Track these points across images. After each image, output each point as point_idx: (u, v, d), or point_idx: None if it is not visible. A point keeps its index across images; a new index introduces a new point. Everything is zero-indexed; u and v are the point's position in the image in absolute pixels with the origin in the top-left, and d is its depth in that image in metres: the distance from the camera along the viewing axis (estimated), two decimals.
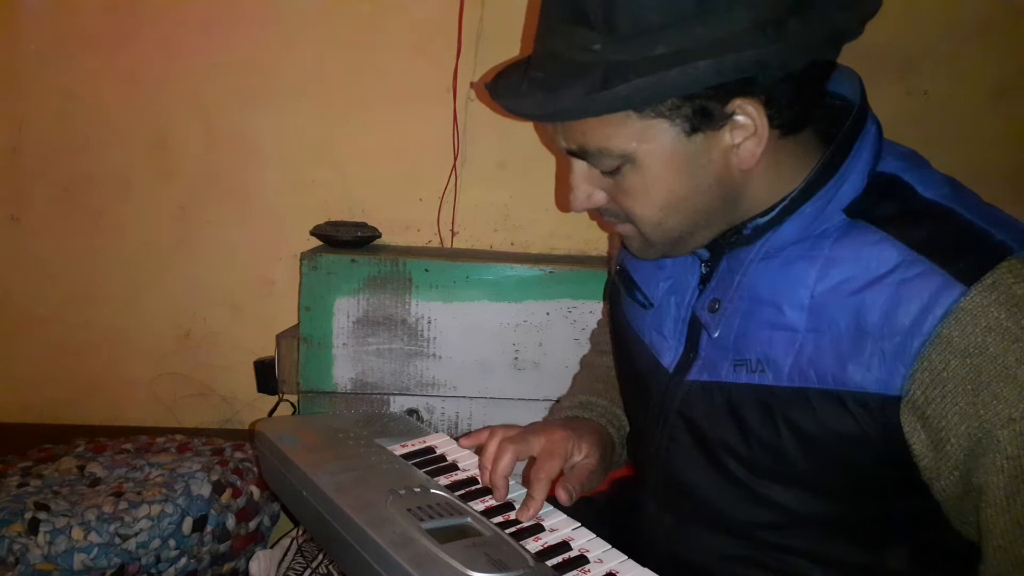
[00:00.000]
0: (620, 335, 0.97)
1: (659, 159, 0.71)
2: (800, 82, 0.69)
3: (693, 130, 0.69)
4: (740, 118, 0.69)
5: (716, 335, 0.79)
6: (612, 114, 0.69)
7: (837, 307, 0.71)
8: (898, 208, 0.72)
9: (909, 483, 0.71)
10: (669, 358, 0.85)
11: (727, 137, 0.70)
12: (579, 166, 0.77)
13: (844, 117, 0.75)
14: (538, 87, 0.71)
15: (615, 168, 0.73)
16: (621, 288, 0.96)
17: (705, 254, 0.82)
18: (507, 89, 0.76)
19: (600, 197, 0.78)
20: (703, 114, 0.68)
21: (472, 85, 1.56)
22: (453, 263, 1.48)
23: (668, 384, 0.84)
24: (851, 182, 0.73)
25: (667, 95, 0.67)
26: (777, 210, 0.74)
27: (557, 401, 1.11)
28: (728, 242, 0.78)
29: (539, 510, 0.80)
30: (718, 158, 0.71)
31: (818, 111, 0.74)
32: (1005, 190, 1.65)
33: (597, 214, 0.81)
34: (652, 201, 0.73)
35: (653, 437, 0.87)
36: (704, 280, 0.83)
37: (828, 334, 0.71)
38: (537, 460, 0.85)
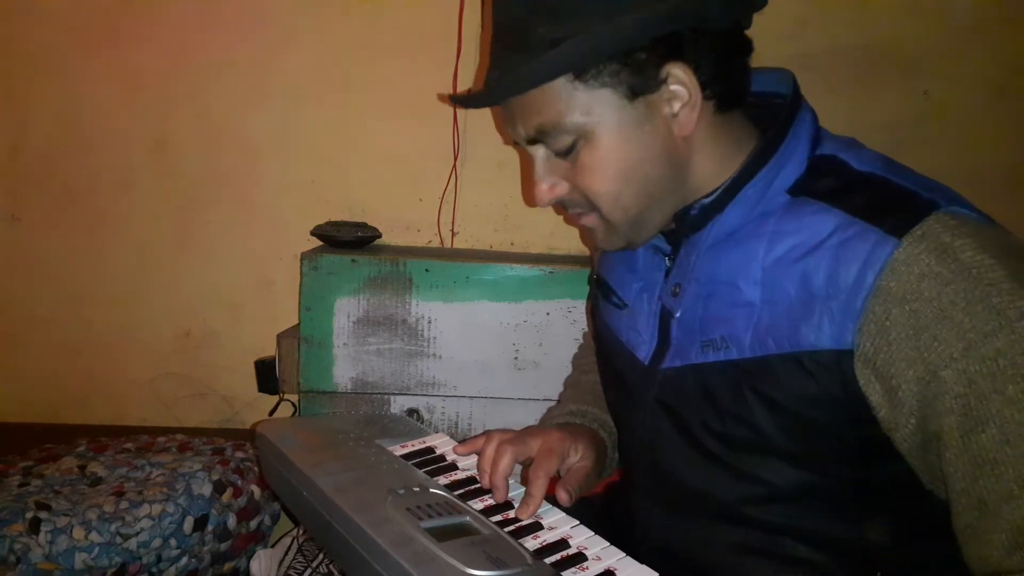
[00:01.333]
0: (601, 340, 1.01)
1: (609, 129, 0.77)
2: (722, 50, 0.77)
3: (633, 94, 0.75)
4: (675, 87, 0.75)
5: (679, 315, 0.84)
6: (560, 89, 0.76)
7: (786, 276, 0.75)
8: (836, 182, 0.76)
9: (880, 445, 0.73)
10: (644, 351, 0.88)
11: (666, 106, 0.77)
12: (539, 159, 0.82)
13: (780, 111, 0.81)
14: (493, 81, 0.80)
15: (570, 146, 0.79)
16: (599, 295, 1.00)
17: (667, 248, 0.87)
18: (472, 93, 0.84)
19: (562, 188, 0.83)
20: (640, 76, 0.75)
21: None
22: (453, 263, 1.48)
23: (645, 376, 0.88)
24: (792, 164, 0.78)
25: (601, 53, 0.74)
26: (719, 190, 0.79)
27: (547, 411, 1.13)
28: (682, 229, 0.83)
29: (539, 507, 0.81)
30: (661, 125, 0.77)
31: (747, 88, 0.81)
32: (1004, 189, 1.65)
33: (563, 208, 0.86)
34: (607, 174, 0.79)
35: (636, 432, 0.90)
36: (668, 272, 0.87)
37: (781, 302, 0.75)
38: (535, 459, 0.87)
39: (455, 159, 1.63)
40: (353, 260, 1.47)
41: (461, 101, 0.86)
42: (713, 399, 0.80)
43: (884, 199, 0.73)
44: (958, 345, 0.66)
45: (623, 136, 0.77)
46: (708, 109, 0.78)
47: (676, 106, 0.76)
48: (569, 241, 1.69)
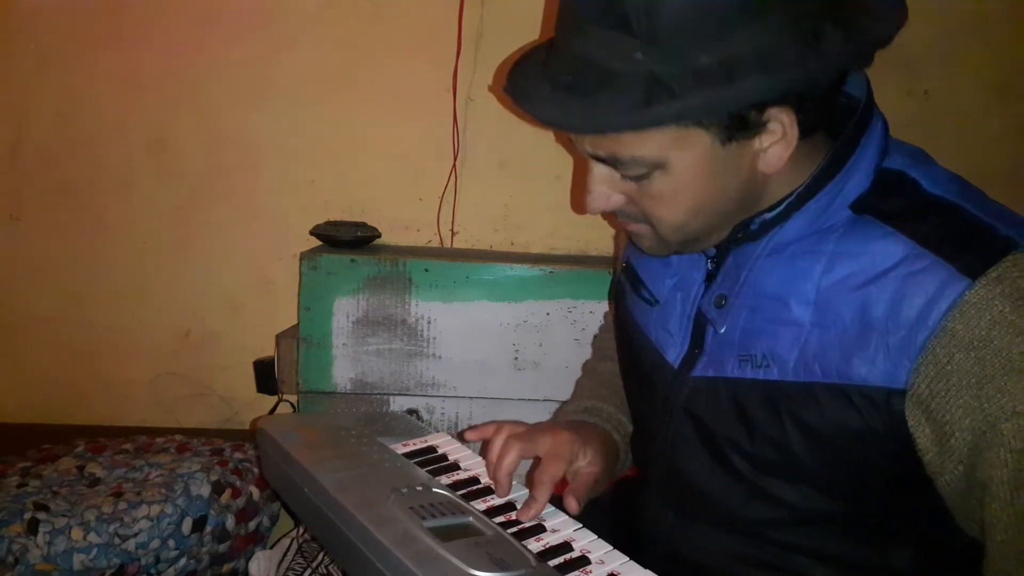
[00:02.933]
0: (625, 333, 0.97)
1: (691, 166, 0.70)
2: (830, 93, 0.71)
3: (729, 139, 0.69)
4: (773, 125, 0.69)
5: (723, 331, 0.79)
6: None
7: (842, 301, 0.71)
8: (904, 203, 0.72)
9: (914, 480, 0.71)
10: (674, 354, 0.85)
11: (756, 142, 0.70)
12: (599, 169, 0.75)
13: (851, 115, 0.75)
14: (570, 95, 0.69)
15: (644, 174, 0.72)
16: (627, 285, 0.96)
17: (711, 251, 0.82)
18: (530, 93, 0.73)
19: (618, 200, 0.77)
20: (741, 124, 0.68)
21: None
22: (453, 263, 1.48)
23: (673, 380, 0.84)
24: (857, 178, 0.73)
25: (719, 111, 0.67)
26: (784, 206, 0.74)
27: (562, 405, 1.11)
28: (735, 238, 0.78)
29: (540, 512, 0.80)
30: (747, 163, 0.72)
31: (834, 109, 0.75)
32: (1005, 188, 1.65)
33: (610, 213, 0.81)
34: (679, 206, 0.73)
35: (658, 434, 0.87)
36: (710, 277, 0.83)
37: (833, 328, 0.71)
38: (542, 462, 0.85)
39: (455, 159, 1.63)
40: (352, 260, 1.47)
41: (519, 97, 0.74)
42: (746, 417, 0.77)
43: (958, 231, 0.68)
44: (1023, 399, 0.63)
45: (705, 174, 0.71)
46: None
47: (767, 142, 0.70)
48: (569, 241, 1.68)
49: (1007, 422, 0.64)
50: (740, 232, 0.77)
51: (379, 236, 1.62)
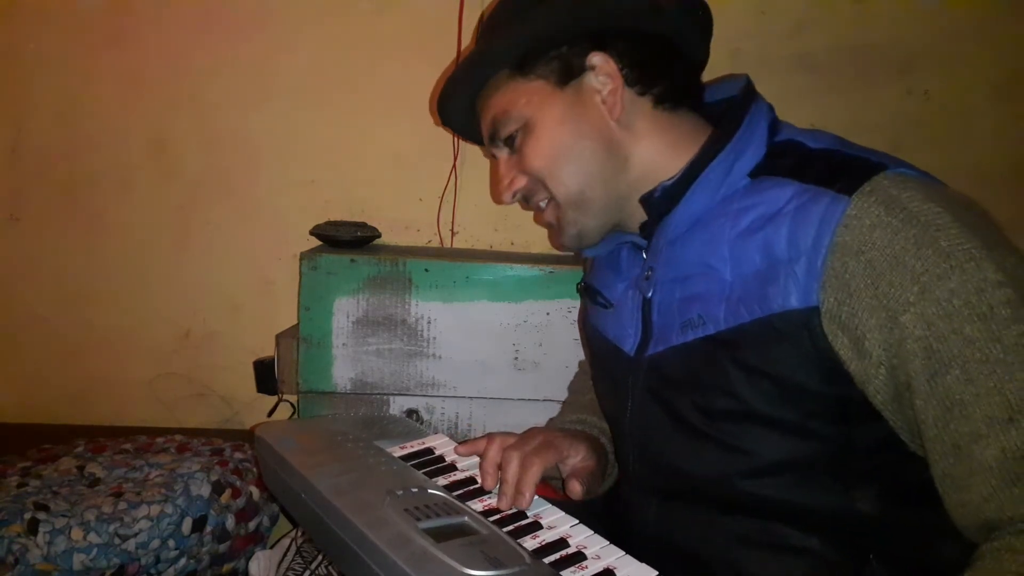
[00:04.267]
0: (591, 340, 1.04)
1: (544, 115, 0.87)
2: (649, 48, 0.86)
3: (563, 81, 0.87)
4: (601, 77, 0.86)
5: (651, 296, 0.88)
6: (504, 84, 0.89)
7: (750, 246, 0.78)
8: (793, 160, 0.81)
9: (856, 403, 0.74)
10: (630, 344, 0.91)
11: (596, 94, 0.87)
12: (501, 160, 0.94)
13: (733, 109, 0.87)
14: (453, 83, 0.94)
15: (514, 133, 0.90)
16: (587, 300, 1.03)
17: (644, 243, 0.90)
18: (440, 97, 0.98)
19: (520, 180, 0.92)
20: (566, 64, 0.86)
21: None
22: (453, 263, 1.48)
23: (631, 366, 0.90)
24: (752, 149, 0.83)
25: (530, 43, 0.86)
26: (680, 173, 0.85)
27: (548, 421, 1.16)
28: (651, 217, 0.88)
29: (530, 489, 0.81)
30: (592, 108, 0.87)
31: (690, 90, 0.91)
32: (1005, 188, 1.65)
33: (526, 204, 0.95)
34: (543, 152, 0.88)
35: (627, 422, 0.91)
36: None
37: (749, 272, 0.78)
38: (535, 448, 0.87)
39: (455, 159, 1.63)
40: (352, 260, 1.47)
41: (440, 109, 0.99)
42: (694, 375, 0.82)
43: (835, 166, 0.77)
44: (913, 289, 0.68)
45: (556, 119, 0.87)
46: (646, 103, 0.88)
47: (605, 91, 0.86)
48: None
49: (905, 313, 0.68)
50: (650, 204, 0.87)
51: (379, 236, 1.62)
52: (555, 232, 0.95)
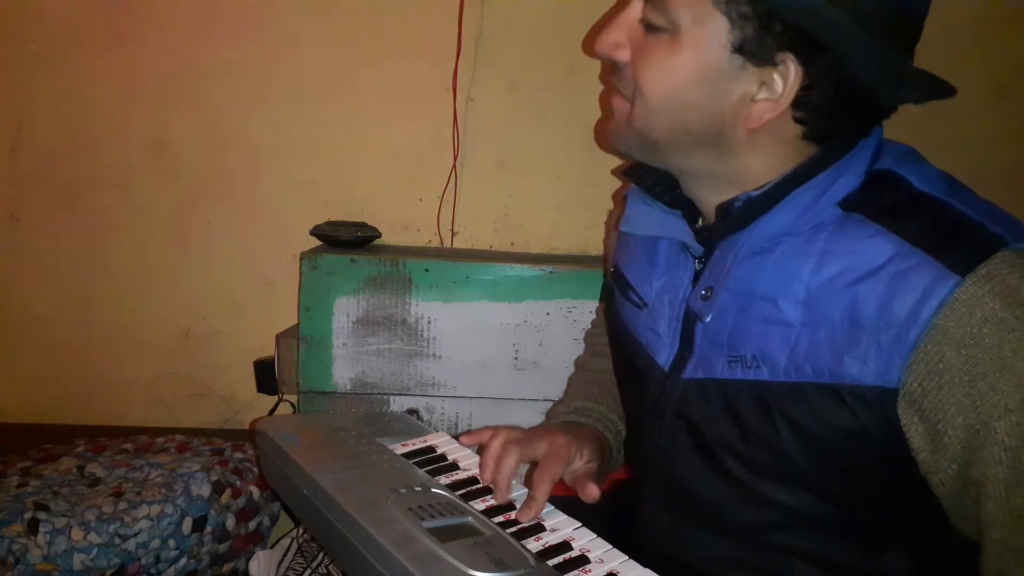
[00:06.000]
0: (616, 336, 0.97)
1: (694, 53, 0.71)
2: (844, 94, 0.71)
3: (738, 48, 0.70)
4: (776, 78, 0.70)
5: (707, 320, 0.79)
6: None
7: (832, 300, 0.70)
8: (893, 201, 0.72)
9: (909, 482, 0.71)
10: (664, 356, 0.85)
11: (753, 87, 0.71)
12: (627, 16, 0.76)
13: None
14: None
15: (660, 27, 0.73)
16: (615, 289, 0.96)
17: (699, 250, 0.82)
18: None
19: (624, 53, 0.77)
20: (758, 39, 0.69)
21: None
22: (453, 263, 1.48)
23: (664, 382, 0.84)
24: (849, 176, 0.74)
25: None
26: (769, 186, 0.75)
27: (554, 404, 1.11)
28: (721, 227, 0.78)
29: (540, 511, 0.80)
30: (736, 97, 0.72)
31: (846, 140, 0.75)
32: (1005, 188, 1.65)
33: (609, 73, 0.81)
34: (661, 82, 0.74)
35: (651, 437, 0.86)
36: (697, 277, 0.83)
37: (823, 328, 0.71)
38: (540, 462, 0.85)
39: (455, 159, 1.63)
40: (352, 260, 1.47)
41: None
42: (738, 419, 0.76)
43: (947, 229, 0.68)
44: (1015, 396, 0.63)
45: (699, 70, 0.72)
46: (793, 129, 0.73)
47: (762, 94, 0.71)
48: (569, 241, 1.68)
49: (1000, 420, 0.64)
50: (727, 214, 0.77)
51: (379, 236, 1.62)
52: (610, 123, 0.82)
